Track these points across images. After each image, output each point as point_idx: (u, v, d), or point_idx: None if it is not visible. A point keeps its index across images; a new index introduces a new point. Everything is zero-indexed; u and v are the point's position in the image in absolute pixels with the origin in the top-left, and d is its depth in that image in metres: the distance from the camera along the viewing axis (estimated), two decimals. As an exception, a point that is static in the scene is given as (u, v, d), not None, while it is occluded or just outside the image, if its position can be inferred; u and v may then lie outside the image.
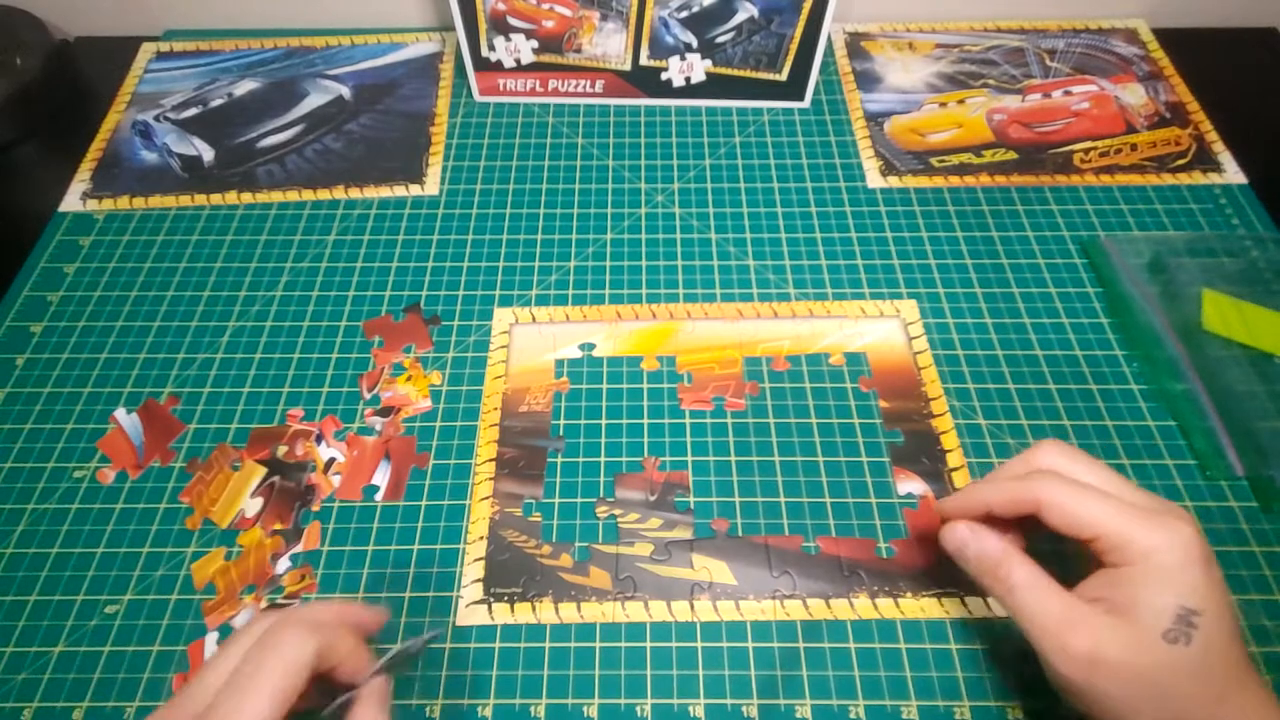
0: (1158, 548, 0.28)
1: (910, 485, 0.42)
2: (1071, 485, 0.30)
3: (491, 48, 0.57)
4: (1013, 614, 0.30)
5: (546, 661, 0.38)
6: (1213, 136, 0.57)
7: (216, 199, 0.55)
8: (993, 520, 0.32)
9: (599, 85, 0.60)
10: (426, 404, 0.46)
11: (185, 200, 0.55)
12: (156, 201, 0.55)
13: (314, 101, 0.61)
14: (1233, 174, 0.55)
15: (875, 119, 0.59)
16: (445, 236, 0.53)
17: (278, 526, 0.42)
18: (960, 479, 0.42)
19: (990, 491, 0.32)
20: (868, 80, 0.62)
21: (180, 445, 0.45)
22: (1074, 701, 0.29)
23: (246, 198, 0.55)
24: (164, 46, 0.65)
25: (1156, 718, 0.27)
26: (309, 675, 0.26)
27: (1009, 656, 0.37)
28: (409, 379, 0.47)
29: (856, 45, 0.65)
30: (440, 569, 0.40)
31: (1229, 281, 0.49)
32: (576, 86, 0.60)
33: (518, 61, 0.58)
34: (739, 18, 0.54)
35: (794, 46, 0.56)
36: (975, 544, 0.32)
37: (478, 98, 0.61)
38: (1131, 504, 0.29)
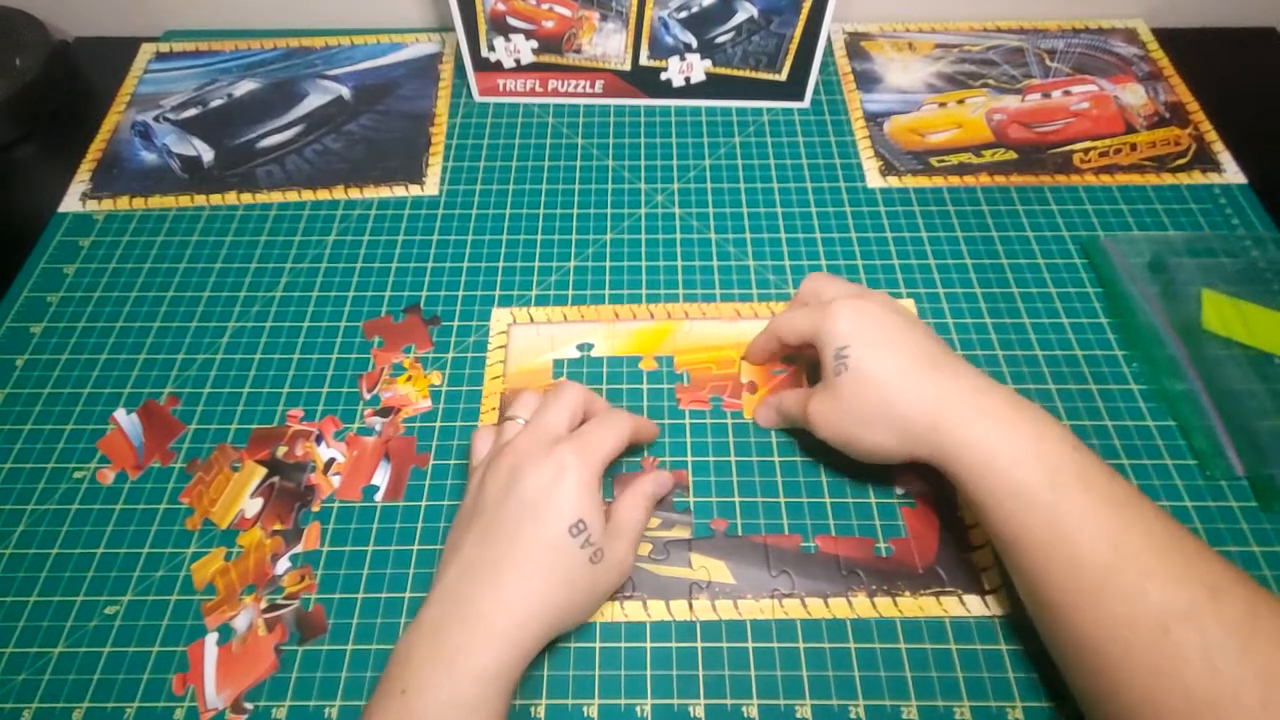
0: (827, 328, 0.37)
1: (909, 485, 0.42)
2: (786, 314, 0.41)
3: (491, 48, 0.57)
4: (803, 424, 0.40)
5: (546, 662, 0.38)
6: (1212, 136, 0.57)
7: (216, 199, 0.55)
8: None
9: (599, 85, 0.60)
10: (426, 404, 0.46)
11: (185, 201, 0.55)
12: (156, 202, 0.55)
13: (314, 102, 0.61)
14: (1233, 174, 0.55)
15: (875, 119, 0.59)
16: (445, 237, 0.53)
17: (278, 527, 0.42)
18: (960, 479, 0.42)
19: (766, 337, 0.43)
20: (867, 80, 0.62)
21: (180, 446, 0.45)
22: (847, 453, 0.38)
23: (246, 198, 0.55)
24: (164, 47, 0.65)
25: (882, 426, 0.36)
26: (629, 441, 0.38)
27: (1009, 656, 0.37)
28: (409, 379, 0.47)
29: (856, 45, 0.65)
30: (440, 569, 0.40)
31: (1229, 281, 0.49)
32: (576, 87, 0.60)
33: (517, 62, 0.58)
34: (739, 18, 0.54)
35: (794, 46, 0.56)
36: (766, 411, 0.44)
37: (477, 98, 0.61)
38: (820, 303, 0.39)
